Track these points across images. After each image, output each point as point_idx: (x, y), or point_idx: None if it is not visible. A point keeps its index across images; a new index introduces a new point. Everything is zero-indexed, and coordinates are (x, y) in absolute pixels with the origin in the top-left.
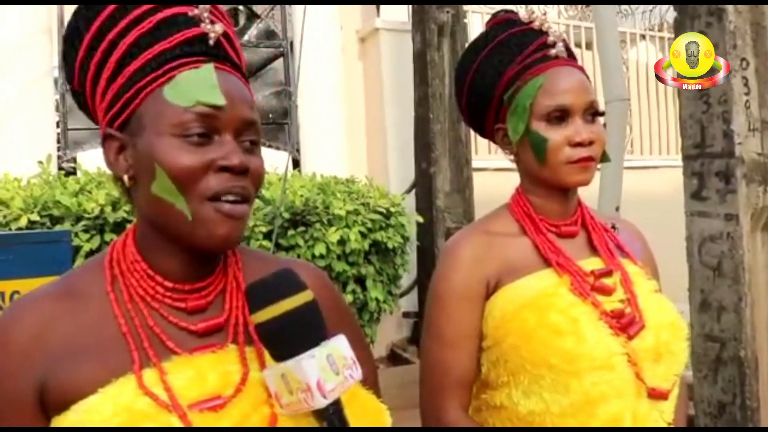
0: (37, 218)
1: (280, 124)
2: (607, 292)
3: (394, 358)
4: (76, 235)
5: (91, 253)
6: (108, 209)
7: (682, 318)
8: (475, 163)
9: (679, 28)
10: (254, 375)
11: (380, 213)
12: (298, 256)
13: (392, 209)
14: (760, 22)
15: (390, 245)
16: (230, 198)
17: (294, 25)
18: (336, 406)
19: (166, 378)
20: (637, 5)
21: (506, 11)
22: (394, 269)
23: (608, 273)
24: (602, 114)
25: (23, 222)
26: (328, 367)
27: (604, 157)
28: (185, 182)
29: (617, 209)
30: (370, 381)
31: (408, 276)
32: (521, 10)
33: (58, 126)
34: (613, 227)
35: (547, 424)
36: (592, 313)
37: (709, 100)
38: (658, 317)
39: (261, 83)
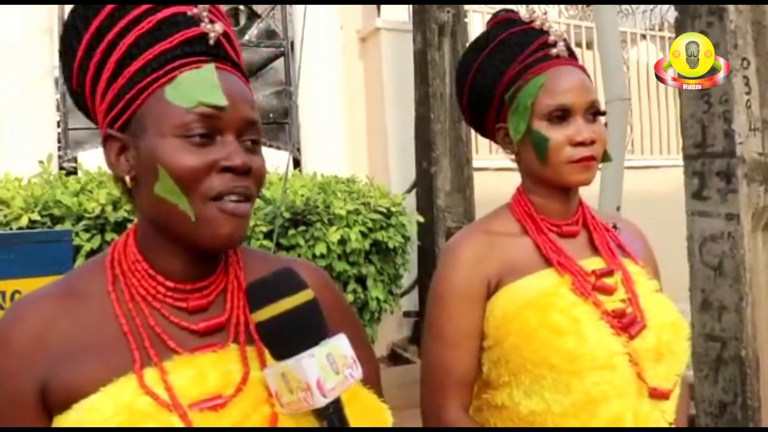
0: (38, 218)
1: (280, 123)
2: (608, 291)
3: (394, 357)
4: (77, 234)
5: (91, 252)
6: (109, 209)
7: (683, 318)
8: (475, 163)
9: (679, 28)
10: (255, 374)
11: (381, 213)
12: (299, 256)
13: (393, 209)
14: (761, 21)
15: (391, 245)
16: (233, 198)
17: (295, 25)
18: (336, 406)
19: (167, 377)
20: (637, 5)
21: (507, 11)
22: (395, 269)
23: (609, 273)
24: (603, 113)
25: (24, 221)
26: (328, 366)
27: (606, 157)
28: (188, 183)
29: (618, 209)
30: (372, 380)
31: (409, 275)
32: (522, 10)
33: (58, 125)
34: (614, 227)
35: (549, 424)
36: (594, 312)
37: (710, 99)
38: (660, 317)
39: (262, 83)
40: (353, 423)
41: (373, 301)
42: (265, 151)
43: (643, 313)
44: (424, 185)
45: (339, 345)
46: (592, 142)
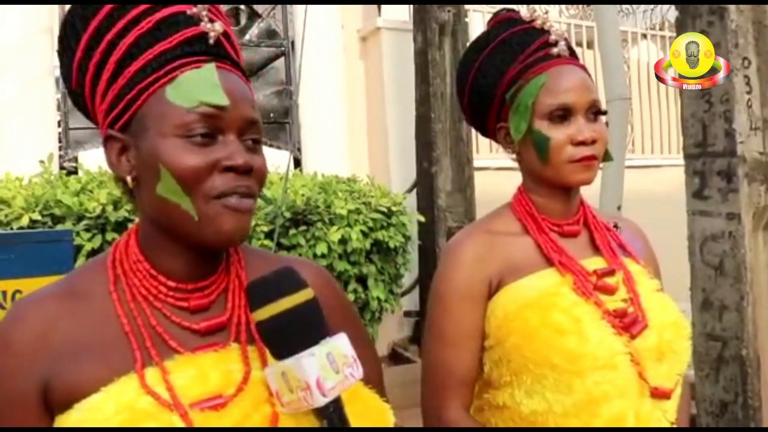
0: (39, 217)
1: (281, 123)
2: (609, 291)
3: (395, 357)
4: (78, 234)
5: (92, 252)
6: (109, 208)
7: (684, 317)
8: (476, 163)
9: (680, 27)
10: (256, 374)
11: (381, 212)
12: (300, 255)
13: (393, 208)
14: (762, 20)
15: (391, 244)
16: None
17: (295, 25)
18: (336, 405)
19: (169, 377)
20: (638, 4)
21: (508, 10)
22: (396, 268)
23: (611, 272)
24: (604, 113)
25: (25, 221)
26: (328, 366)
27: (607, 156)
28: (190, 183)
29: (619, 208)
30: (374, 380)
31: (409, 275)
32: (523, 9)
33: (59, 125)
34: (615, 226)
35: (550, 423)
36: (595, 312)
37: (710, 99)
38: (661, 316)
39: (262, 82)
40: (354, 422)
41: (373, 300)
42: (266, 150)
43: (645, 312)
44: (424, 185)
45: (339, 344)
46: (593, 142)
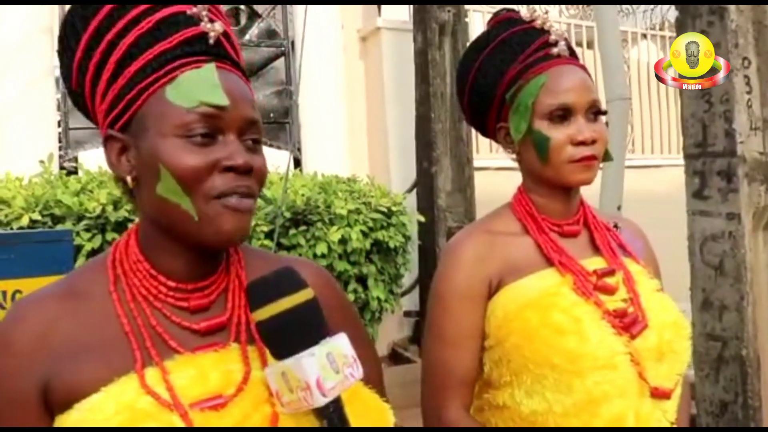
0: (39, 217)
1: (281, 123)
2: (609, 291)
3: (395, 357)
4: (78, 234)
5: (92, 252)
6: (109, 208)
7: (684, 317)
8: (476, 163)
9: (680, 27)
10: (256, 374)
11: (381, 212)
12: (300, 255)
13: (393, 208)
14: (762, 20)
15: (391, 244)
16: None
17: (295, 25)
18: (336, 405)
19: (169, 377)
20: (638, 4)
21: (508, 10)
22: (396, 268)
23: (611, 272)
24: (604, 113)
25: (25, 221)
26: (328, 366)
27: (607, 156)
28: (191, 183)
29: (619, 208)
30: (374, 380)
31: (409, 275)
32: (523, 9)
33: (59, 125)
34: (615, 226)
35: (550, 423)
36: (595, 312)
37: (710, 99)
38: (661, 316)
39: (262, 82)
40: (354, 422)
41: (373, 300)
42: (266, 150)
43: (645, 312)
44: (424, 185)
45: (339, 344)
46: (594, 142)
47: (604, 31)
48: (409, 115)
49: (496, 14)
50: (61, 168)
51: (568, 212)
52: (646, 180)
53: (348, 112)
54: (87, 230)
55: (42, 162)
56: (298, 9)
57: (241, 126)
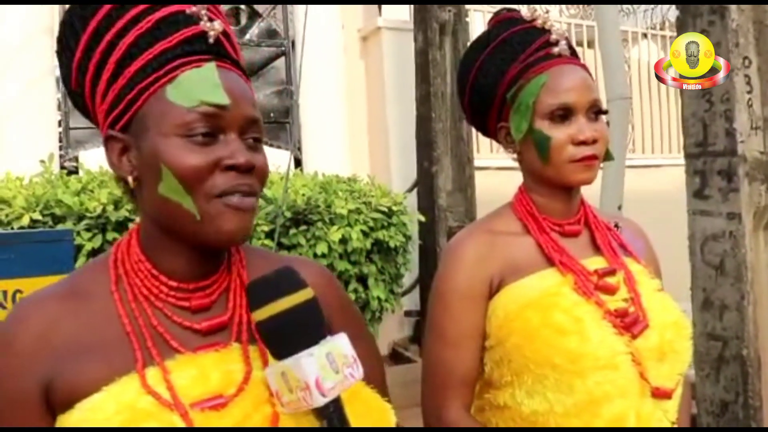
0: (39, 217)
1: (281, 123)
2: (610, 291)
3: (395, 356)
4: (78, 234)
5: (93, 252)
6: (110, 208)
7: (685, 317)
8: (477, 162)
9: (681, 27)
10: (257, 374)
11: (382, 212)
12: (300, 255)
13: (394, 208)
14: (763, 20)
15: (392, 244)
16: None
17: (296, 24)
18: (336, 405)
19: (169, 377)
20: (638, 4)
21: (508, 10)
22: (396, 268)
23: (612, 272)
24: (605, 112)
25: (25, 221)
26: (328, 366)
27: (608, 156)
28: (192, 182)
29: (619, 208)
30: (376, 380)
31: (410, 275)
32: (523, 9)
33: (60, 125)
34: (616, 226)
35: (551, 424)
36: (596, 312)
37: (711, 98)
38: (662, 316)
39: (263, 82)
40: (355, 422)
41: (374, 300)
42: (266, 150)
43: (646, 312)
44: (425, 184)
45: (339, 344)
46: (594, 141)
47: (605, 31)
48: (409, 114)
49: (496, 14)
50: (62, 168)
51: (568, 212)
52: (647, 180)
53: (348, 111)
54: (87, 230)
55: (42, 162)
56: (299, 9)
57: (242, 125)
